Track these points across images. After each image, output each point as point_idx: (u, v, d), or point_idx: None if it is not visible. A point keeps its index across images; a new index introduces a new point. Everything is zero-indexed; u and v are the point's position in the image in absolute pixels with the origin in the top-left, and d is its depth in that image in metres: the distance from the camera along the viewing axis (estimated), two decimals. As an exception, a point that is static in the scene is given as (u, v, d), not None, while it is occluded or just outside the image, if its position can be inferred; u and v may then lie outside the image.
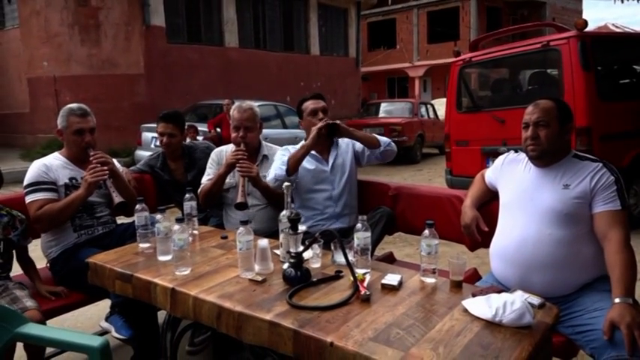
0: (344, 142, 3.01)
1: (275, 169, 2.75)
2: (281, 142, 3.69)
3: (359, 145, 2.94)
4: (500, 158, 2.36)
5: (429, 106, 14.57)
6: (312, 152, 2.87)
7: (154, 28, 12.45)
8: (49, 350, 2.74)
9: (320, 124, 2.74)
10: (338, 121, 2.78)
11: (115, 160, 2.80)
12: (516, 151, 2.29)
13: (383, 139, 2.88)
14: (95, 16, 11.94)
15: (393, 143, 2.91)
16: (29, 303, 2.22)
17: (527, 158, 2.16)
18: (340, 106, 17.01)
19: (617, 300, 1.75)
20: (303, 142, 2.84)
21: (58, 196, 2.60)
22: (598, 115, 4.76)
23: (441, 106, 13.12)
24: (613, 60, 5.63)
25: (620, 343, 1.67)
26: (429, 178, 10.09)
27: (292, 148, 2.89)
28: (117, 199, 2.64)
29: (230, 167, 2.82)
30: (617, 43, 5.78)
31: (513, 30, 6.94)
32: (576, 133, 4.52)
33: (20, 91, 13.43)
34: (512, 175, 2.22)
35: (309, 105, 2.93)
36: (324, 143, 2.90)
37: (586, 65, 4.74)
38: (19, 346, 2.03)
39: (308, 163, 2.87)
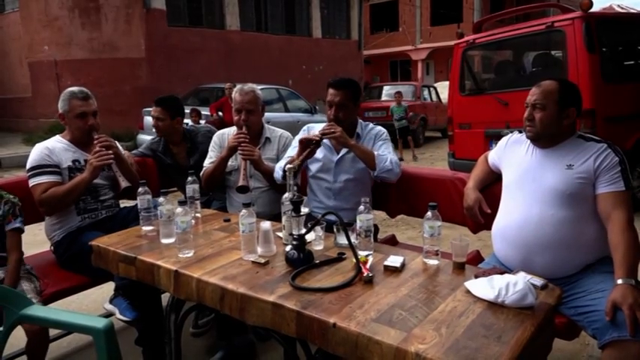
0: (370, 135, 2.79)
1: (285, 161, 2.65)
2: (282, 125, 3.67)
3: (378, 145, 2.74)
4: (504, 139, 2.35)
5: (431, 89, 14.51)
6: (326, 142, 2.71)
7: (155, 11, 12.36)
8: (53, 332, 2.77)
9: (302, 154, 2.51)
10: (323, 138, 2.57)
11: (117, 144, 2.80)
12: (520, 132, 2.27)
13: (381, 165, 2.56)
14: (95, -2, 11.87)
15: (394, 169, 2.58)
16: (34, 300, 2.15)
17: None
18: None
19: (619, 281, 1.75)
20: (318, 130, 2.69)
21: (61, 179, 2.60)
22: (602, 97, 4.72)
23: (443, 89, 13.07)
24: (618, 41, 5.57)
25: (622, 324, 1.67)
26: (432, 161, 10.08)
27: (312, 130, 2.81)
28: (123, 183, 2.65)
29: (232, 150, 2.81)
30: (622, 25, 5.71)
31: (517, 11, 6.87)
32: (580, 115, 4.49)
33: (21, 75, 13.41)
34: (515, 155, 2.21)
35: (329, 93, 2.70)
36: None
37: (590, 47, 4.69)
38: (21, 336, 2.05)
39: (319, 151, 2.71)
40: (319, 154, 2.73)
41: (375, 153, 2.62)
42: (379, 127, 2.86)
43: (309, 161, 2.77)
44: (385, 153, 2.65)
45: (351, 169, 2.73)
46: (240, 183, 2.66)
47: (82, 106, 2.66)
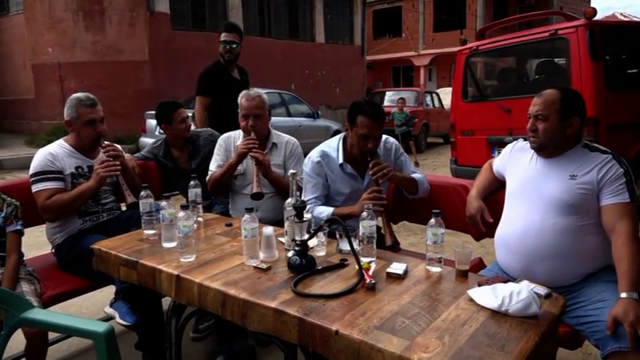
0: (388, 152, 2.70)
1: (314, 218, 2.41)
2: (285, 129, 3.66)
3: (401, 160, 2.72)
4: (509, 146, 2.35)
5: (434, 95, 14.52)
6: (349, 170, 2.60)
7: (159, 15, 12.39)
8: (52, 336, 2.76)
9: (372, 202, 2.24)
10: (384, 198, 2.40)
11: (120, 148, 2.80)
12: (525, 140, 2.26)
13: (422, 188, 2.63)
14: (99, 1, 11.91)
15: (428, 187, 2.67)
16: (33, 303, 2.14)
17: None
18: (345, 94, 16.95)
19: (623, 295, 1.73)
20: (341, 157, 2.59)
21: (64, 185, 2.59)
22: (605, 105, 4.71)
23: (446, 95, 13.08)
24: (621, 49, 5.56)
25: (623, 335, 1.66)
26: (434, 167, 10.07)
27: (327, 158, 2.60)
28: (130, 199, 2.64)
29: (241, 157, 2.78)
30: (625, 33, 5.71)
31: (520, 18, 6.88)
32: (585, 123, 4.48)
33: (25, 77, 13.44)
34: (519, 163, 2.20)
35: (366, 126, 2.44)
36: (363, 165, 2.53)
37: (594, 55, 4.69)
38: (21, 339, 2.04)
39: (342, 186, 2.60)
40: (344, 189, 2.61)
41: (416, 177, 2.61)
42: (392, 140, 2.77)
43: (333, 195, 2.63)
44: (419, 174, 2.67)
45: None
46: (255, 190, 2.64)
47: (90, 113, 2.65)
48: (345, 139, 2.65)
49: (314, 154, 2.65)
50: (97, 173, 2.56)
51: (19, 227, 2.38)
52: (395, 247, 2.36)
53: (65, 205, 2.53)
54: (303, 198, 2.53)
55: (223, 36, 4.04)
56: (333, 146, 2.66)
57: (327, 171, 2.61)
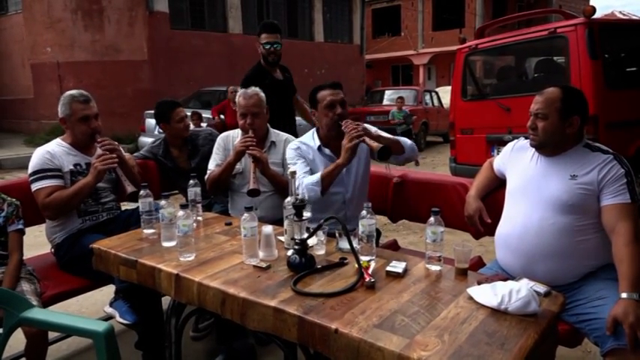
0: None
1: (307, 190, 2.44)
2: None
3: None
4: (510, 145, 2.34)
5: (433, 93, 14.52)
6: (327, 152, 2.64)
7: (158, 14, 12.39)
8: (52, 335, 2.76)
9: (355, 141, 2.36)
10: (384, 136, 2.47)
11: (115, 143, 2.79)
12: (526, 138, 2.25)
13: (407, 144, 2.59)
14: (98, 1, 11.91)
15: (415, 147, 2.65)
16: (33, 302, 2.15)
17: None
18: (344, 93, 16.92)
19: (623, 295, 1.73)
20: (316, 143, 2.65)
21: (64, 182, 2.59)
22: (604, 104, 4.71)
23: (445, 94, 13.07)
24: (620, 48, 5.56)
25: (623, 334, 1.67)
26: (433, 166, 10.07)
27: (303, 146, 2.68)
28: (129, 188, 2.63)
29: (239, 155, 2.78)
30: (624, 31, 5.70)
31: (520, 17, 6.88)
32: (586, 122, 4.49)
33: (23, 76, 13.43)
34: (520, 162, 2.20)
35: (327, 96, 2.58)
36: (339, 142, 2.52)
37: (593, 53, 4.68)
38: (21, 339, 2.04)
39: (322, 165, 2.60)
40: (324, 169, 2.58)
41: (397, 138, 2.59)
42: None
43: None
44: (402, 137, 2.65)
45: (359, 168, 2.67)
46: (251, 187, 2.64)
47: (84, 109, 2.65)
48: (318, 130, 2.71)
49: (291, 145, 2.74)
50: (94, 167, 2.55)
51: (20, 226, 2.39)
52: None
53: (65, 201, 2.53)
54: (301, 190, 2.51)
55: (265, 37, 3.82)
56: (307, 137, 2.74)
57: (305, 156, 2.65)
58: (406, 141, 2.61)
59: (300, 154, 2.65)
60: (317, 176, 2.48)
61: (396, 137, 2.61)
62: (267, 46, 3.81)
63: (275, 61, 3.88)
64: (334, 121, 2.55)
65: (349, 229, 1.89)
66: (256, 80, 3.68)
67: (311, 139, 2.72)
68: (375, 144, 2.34)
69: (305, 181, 2.48)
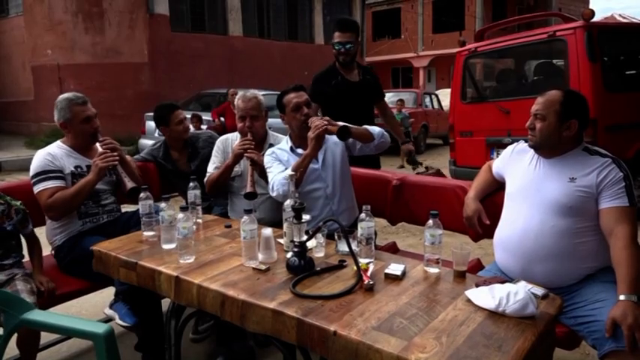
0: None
1: (278, 184, 2.50)
2: (283, 131, 3.66)
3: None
4: (509, 148, 2.35)
5: (433, 96, 14.52)
6: (299, 152, 2.65)
7: (158, 17, 12.41)
8: (53, 337, 2.77)
9: (318, 130, 2.44)
10: (346, 124, 2.48)
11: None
12: (526, 141, 2.26)
13: (375, 131, 2.64)
14: (99, 3, 11.92)
15: (386, 134, 2.69)
16: (28, 300, 2.16)
17: None
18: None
19: (621, 297, 1.74)
20: (289, 145, 2.72)
21: (65, 184, 2.60)
22: (603, 107, 4.72)
23: (445, 96, 13.09)
24: (619, 51, 5.58)
25: (622, 336, 1.68)
26: (433, 168, 10.06)
27: (278, 150, 2.73)
28: (129, 184, 2.64)
29: (237, 158, 2.80)
30: (623, 34, 5.73)
31: (519, 20, 6.89)
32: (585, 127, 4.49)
33: (24, 78, 13.44)
34: (519, 165, 2.21)
35: (292, 99, 2.67)
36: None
37: (592, 56, 4.70)
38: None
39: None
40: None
41: (364, 127, 2.63)
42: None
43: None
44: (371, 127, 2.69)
45: (336, 163, 2.69)
46: (248, 189, 2.65)
47: (85, 110, 2.67)
48: (290, 136, 2.78)
49: (267, 152, 2.77)
50: (95, 165, 2.57)
51: (31, 228, 2.55)
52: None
53: (68, 200, 2.54)
54: (274, 188, 2.56)
55: (337, 36, 3.54)
56: (282, 142, 2.83)
57: (280, 158, 2.69)
58: (374, 128, 2.67)
59: (275, 157, 2.70)
60: (287, 172, 2.47)
61: (365, 126, 2.66)
62: (338, 47, 3.55)
63: (347, 61, 3.58)
64: (302, 122, 2.63)
65: (344, 225, 1.89)
66: (322, 80, 3.64)
67: (285, 143, 2.79)
68: (334, 128, 2.43)
69: (276, 178, 2.55)
